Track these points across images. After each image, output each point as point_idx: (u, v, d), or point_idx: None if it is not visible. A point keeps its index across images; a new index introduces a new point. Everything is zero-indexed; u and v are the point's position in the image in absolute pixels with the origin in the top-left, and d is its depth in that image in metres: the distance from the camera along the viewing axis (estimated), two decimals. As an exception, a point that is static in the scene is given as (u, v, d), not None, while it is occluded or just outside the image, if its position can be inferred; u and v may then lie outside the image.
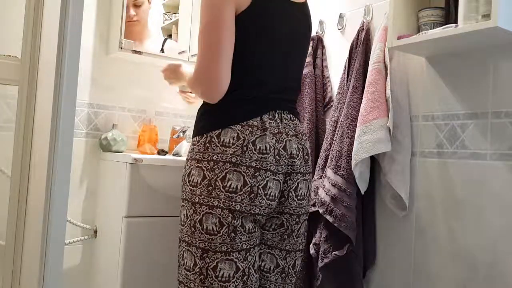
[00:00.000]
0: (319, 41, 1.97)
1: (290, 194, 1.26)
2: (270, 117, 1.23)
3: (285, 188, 1.25)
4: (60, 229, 1.16)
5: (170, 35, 2.28)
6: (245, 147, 1.17)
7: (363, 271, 1.66)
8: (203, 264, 1.15)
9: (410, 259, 1.58)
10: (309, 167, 1.32)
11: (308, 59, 1.87)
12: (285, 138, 1.24)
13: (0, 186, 1.46)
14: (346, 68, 1.76)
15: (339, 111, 1.72)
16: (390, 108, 1.55)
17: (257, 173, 1.17)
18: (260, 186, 1.17)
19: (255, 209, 1.17)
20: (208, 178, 1.16)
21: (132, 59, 2.06)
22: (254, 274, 1.22)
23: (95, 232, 1.96)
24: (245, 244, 1.18)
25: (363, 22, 1.76)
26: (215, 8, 1.17)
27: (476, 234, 1.40)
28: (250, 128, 1.19)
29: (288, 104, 1.30)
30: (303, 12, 1.35)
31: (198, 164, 1.19)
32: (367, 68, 1.65)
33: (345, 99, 1.69)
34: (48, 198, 1.13)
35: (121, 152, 1.94)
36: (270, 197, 1.20)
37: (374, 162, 1.62)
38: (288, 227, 1.27)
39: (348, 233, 1.54)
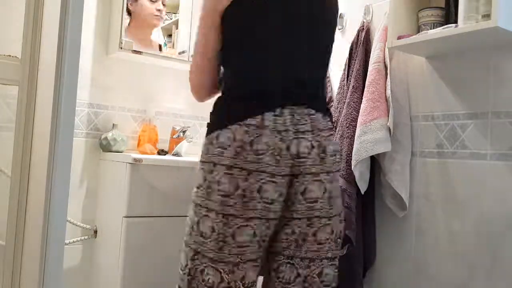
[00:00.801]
0: (319, 41, 1.97)
1: (298, 197, 1.15)
2: (277, 113, 1.14)
3: (292, 191, 1.15)
4: (60, 229, 1.16)
5: (170, 35, 2.28)
6: (239, 148, 1.11)
7: (363, 271, 1.66)
8: (192, 265, 1.14)
9: (410, 259, 1.58)
10: (326, 165, 1.18)
11: (308, 59, 1.87)
12: (291, 136, 1.14)
13: (0, 186, 1.45)
14: (346, 68, 1.76)
15: (339, 111, 1.72)
16: (391, 108, 1.55)
17: (250, 175, 1.11)
18: (254, 190, 1.10)
19: (250, 213, 1.11)
20: (207, 180, 1.14)
21: (132, 59, 2.06)
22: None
23: (95, 232, 1.96)
24: (234, 257, 1.11)
25: (363, 22, 1.76)
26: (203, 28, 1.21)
27: (476, 234, 1.40)
28: (246, 128, 1.13)
29: (305, 98, 1.19)
30: None
31: (202, 166, 1.17)
32: (367, 68, 1.65)
33: (345, 99, 1.69)
34: (48, 198, 1.13)
35: (121, 152, 1.94)
36: (268, 200, 1.12)
37: (374, 162, 1.62)
38: (299, 232, 1.17)
39: (348, 233, 1.54)
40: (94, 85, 2.02)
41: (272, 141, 1.13)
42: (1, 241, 1.27)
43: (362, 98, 1.62)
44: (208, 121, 1.23)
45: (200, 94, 1.32)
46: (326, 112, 1.23)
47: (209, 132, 1.18)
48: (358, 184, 1.57)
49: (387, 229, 1.65)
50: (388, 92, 1.56)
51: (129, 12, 2.02)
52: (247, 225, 1.11)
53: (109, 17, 2.04)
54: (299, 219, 1.17)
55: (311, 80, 1.23)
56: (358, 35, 1.76)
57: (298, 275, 1.19)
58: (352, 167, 1.55)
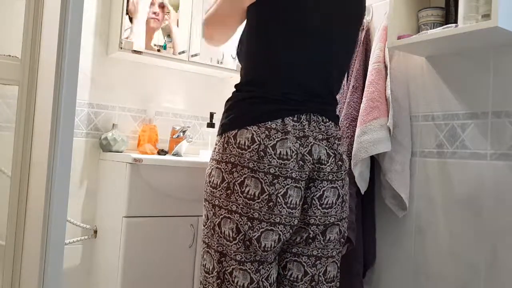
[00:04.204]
0: (319, 41, 1.97)
1: (314, 202, 1.15)
2: (295, 119, 1.13)
3: (308, 194, 1.15)
4: (60, 229, 1.16)
5: (169, 35, 2.28)
6: (262, 152, 1.09)
7: (363, 271, 1.66)
8: (220, 268, 1.12)
9: (410, 259, 1.58)
10: (341, 173, 1.20)
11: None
12: (311, 142, 1.14)
13: (0, 186, 1.45)
14: (346, 68, 1.76)
15: (339, 111, 1.72)
16: (390, 108, 1.55)
17: (276, 180, 1.08)
18: (279, 194, 1.09)
19: (275, 218, 1.09)
20: (227, 180, 1.11)
21: (132, 59, 2.06)
22: (269, 287, 1.15)
23: (95, 232, 1.96)
24: (259, 256, 1.11)
25: (363, 22, 1.76)
26: None
27: (476, 234, 1.40)
28: (267, 131, 1.10)
29: (320, 106, 1.19)
30: None
31: (218, 165, 1.14)
32: (367, 68, 1.65)
33: (345, 99, 1.69)
34: (48, 198, 1.13)
35: (121, 152, 1.94)
36: (291, 205, 1.10)
37: (374, 162, 1.62)
38: (310, 233, 1.18)
39: (348, 233, 1.54)
40: (94, 85, 2.02)
41: (294, 147, 1.11)
42: (1, 241, 1.27)
43: (362, 98, 1.62)
44: (220, 118, 1.20)
45: (220, 41, 1.31)
46: (338, 121, 1.24)
47: (224, 130, 1.15)
48: (358, 184, 1.57)
49: (387, 229, 1.65)
50: (388, 92, 1.56)
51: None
52: (272, 230, 1.10)
53: (109, 17, 2.04)
54: (317, 225, 1.17)
55: (331, 90, 1.23)
56: (358, 35, 1.76)
57: (306, 273, 1.20)
58: (352, 167, 1.55)
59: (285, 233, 1.12)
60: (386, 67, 1.60)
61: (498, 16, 1.20)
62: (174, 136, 2.11)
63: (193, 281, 1.77)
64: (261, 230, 1.09)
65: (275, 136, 1.10)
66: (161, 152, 2.03)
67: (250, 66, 1.20)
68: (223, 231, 1.11)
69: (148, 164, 1.70)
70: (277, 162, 1.09)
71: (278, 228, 1.10)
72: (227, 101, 1.21)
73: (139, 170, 1.70)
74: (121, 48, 1.93)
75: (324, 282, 1.22)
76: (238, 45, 1.28)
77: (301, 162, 1.12)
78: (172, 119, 2.21)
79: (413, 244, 1.58)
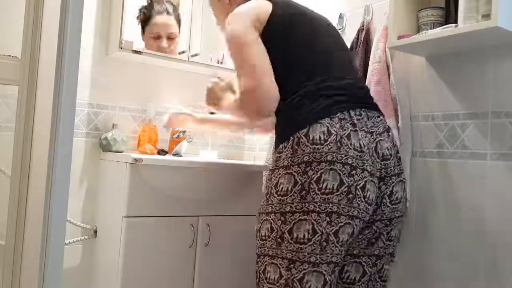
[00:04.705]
0: (319, 41, 1.97)
1: (384, 200, 1.14)
2: (357, 114, 1.13)
3: (379, 194, 1.13)
4: (60, 229, 1.16)
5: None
6: (339, 143, 1.06)
7: (363, 271, 1.65)
8: (289, 276, 1.07)
9: (410, 259, 1.58)
10: (401, 165, 1.20)
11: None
12: (376, 138, 1.13)
13: (0, 186, 1.45)
14: (346, 68, 1.76)
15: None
16: (398, 107, 1.55)
17: (354, 172, 1.05)
18: (358, 187, 1.06)
19: (354, 211, 1.06)
20: (300, 182, 1.07)
21: (132, 59, 2.06)
22: None
23: (95, 232, 1.96)
24: (335, 257, 1.08)
25: (363, 22, 1.76)
26: (245, 47, 1.19)
27: (476, 234, 1.40)
28: (340, 122, 1.08)
29: (370, 100, 1.21)
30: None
31: (288, 171, 1.09)
32: (367, 68, 1.65)
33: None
34: (48, 198, 1.13)
35: (121, 152, 1.94)
36: (369, 201, 1.08)
37: (374, 162, 1.62)
38: (376, 231, 1.16)
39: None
40: (94, 85, 2.02)
41: (364, 140, 1.10)
42: (1, 241, 1.27)
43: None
44: (277, 129, 1.19)
45: (272, 103, 1.19)
46: (382, 115, 1.24)
47: (290, 133, 1.11)
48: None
49: (387, 229, 1.65)
50: (394, 92, 1.56)
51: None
52: (349, 223, 1.07)
53: (109, 17, 2.04)
54: (381, 220, 1.15)
55: (363, 83, 1.29)
56: (358, 35, 1.76)
57: (364, 273, 1.17)
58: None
59: (358, 227, 1.10)
60: (388, 67, 1.60)
61: (498, 16, 1.20)
62: (174, 136, 2.11)
63: (193, 281, 1.77)
64: (339, 224, 1.06)
65: (347, 127, 1.09)
66: (161, 152, 2.03)
67: (289, 79, 1.19)
68: (295, 235, 1.06)
69: (148, 164, 1.70)
70: (353, 152, 1.07)
71: (354, 222, 1.07)
72: (278, 111, 1.19)
73: (139, 170, 1.69)
74: (121, 48, 1.93)
75: (378, 280, 1.20)
76: None
77: (372, 157, 1.10)
78: (172, 119, 2.21)
79: (413, 244, 1.57)
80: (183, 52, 2.15)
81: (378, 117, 1.18)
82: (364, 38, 1.72)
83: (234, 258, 1.84)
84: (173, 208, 1.75)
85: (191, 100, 2.26)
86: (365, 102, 1.19)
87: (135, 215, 1.68)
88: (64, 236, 1.18)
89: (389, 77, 1.59)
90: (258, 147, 2.35)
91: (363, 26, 1.75)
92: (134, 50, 1.97)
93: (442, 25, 1.43)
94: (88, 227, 1.96)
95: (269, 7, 1.23)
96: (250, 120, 1.26)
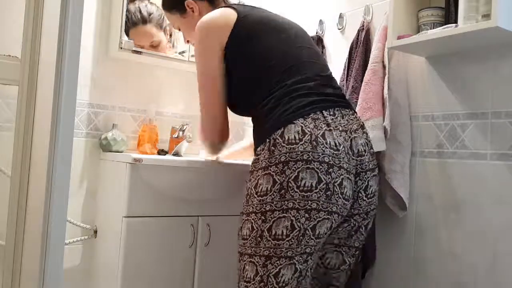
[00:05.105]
0: (319, 41, 1.97)
1: (360, 194, 1.19)
2: (331, 113, 1.17)
3: (355, 189, 1.18)
4: (60, 229, 1.16)
5: (170, 35, 2.28)
6: (314, 142, 1.10)
7: (363, 271, 1.66)
8: (264, 272, 1.11)
9: (410, 259, 1.58)
10: (375, 161, 1.26)
11: (308, 59, 1.87)
12: (351, 135, 1.18)
13: (0, 186, 1.45)
14: (346, 68, 1.76)
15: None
16: (387, 108, 1.55)
17: (331, 170, 1.10)
18: (336, 184, 1.10)
19: (332, 207, 1.11)
20: (279, 182, 1.10)
21: (132, 59, 2.06)
22: (309, 276, 1.17)
23: (95, 232, 1.96)
24: (309, 248, 1.12)
25: (363, 22, 1.76)
26: (203, 58, 1.32)
27: (476, 234, 1.40)
28: (314, 122, 1.12)
29: (342, 99, 1.24)
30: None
31: (266, 171, 1.12)
32: (367, 68, 1.65)
33: (345, 99, 1.69)
34: (48, 198, 1.13)
35: (121, 152, 1.94)
36: (346, 197, 1.13)
37: (374, 162, 1.62)
38: (355, 224, 1.22)
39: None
40: (94, 85, 2.02)
41: (339, 139, 1.14)
42: (1, 241, 1.27)
43: (360, 98, 1.62)
44: (253, 134, 1.26)
45: (223, 132, 1.39)
46: (355, 112, 1.28)
47: (267, 135, 1.15)
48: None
49: (387, 229, 1.65)
50: (386, 92, 1.56)
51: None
52: (328, 219, 1.11)
53: (109, 17, 2.04)
54: (359, 214, 1.21)
55: (336, 83, 1.30)
56: (358, 35, 1.76)
57: (344, 262, 1.24)
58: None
59: (336, 221, 1.15)
60: (384, 66, 1.60)
61: (498, 16, 1.20)
62: (174, 136, 2.11)
63: (193, 281, 1.77)
64: (317, 219, 1.10)
65: (321, 126, 1.12)
66: (161, 152, 2.03)
67: (261, 83, 1.24)
68: (274, 232, 1.10)
69: (148, 164, 1.70)
70: (329, 151, 1.11)
71: (333, 216, 1.12)
72: (254, 117, 1.26)
73: (139, 170, 1.69)
74: (121, 48, 1.93)
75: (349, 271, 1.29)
76: (232, 105, 1.38)
77: (348, 155, 1.15)
78: (172, 119, 2.21)
79: (413, 244, 1.58)
80: (183, 52, 2.15)
81: (353, 114, 1.23)
82: (364, 38, 1.72)
83: (234, 258, 1.84)
84: (173, 208, 1.75)
85: (191, 100, 2.27)
86: (338, 101, 1.22)
87: (135, 215, 1.68)
88: (64, 236, 1.18)
89: (383, 78, 1.59)
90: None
91: (363, 26, 1.75)
92: (134, 50, 1.97)
93: (442, 25, 1.43)
94: (88, 227, 1.96)
95: (233, 15, 1.29)
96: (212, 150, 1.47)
